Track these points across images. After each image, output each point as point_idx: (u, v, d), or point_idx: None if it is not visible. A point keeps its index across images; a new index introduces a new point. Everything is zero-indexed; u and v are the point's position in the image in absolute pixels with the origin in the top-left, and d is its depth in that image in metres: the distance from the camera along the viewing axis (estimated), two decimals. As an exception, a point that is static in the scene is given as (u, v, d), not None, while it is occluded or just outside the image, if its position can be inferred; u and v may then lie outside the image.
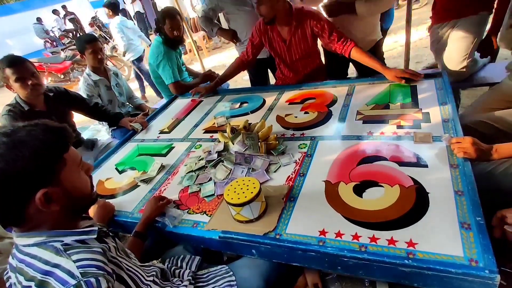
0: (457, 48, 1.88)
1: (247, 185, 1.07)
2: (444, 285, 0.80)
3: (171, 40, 2.41)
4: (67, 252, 0.69)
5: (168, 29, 2.34)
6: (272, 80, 2.68)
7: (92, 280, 0.66)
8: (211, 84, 2.35)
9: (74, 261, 0.68)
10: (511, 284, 1.25)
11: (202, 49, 5.93)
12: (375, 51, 2.19)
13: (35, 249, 0.70)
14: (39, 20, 11.01)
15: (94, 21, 10.40)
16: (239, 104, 2.06)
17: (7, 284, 0.76)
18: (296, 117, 1.69)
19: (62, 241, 0.72)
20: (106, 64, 2.46)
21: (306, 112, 1.71)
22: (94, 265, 0.69)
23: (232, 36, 2.57)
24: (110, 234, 0.86)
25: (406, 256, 0.84)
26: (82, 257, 0.69)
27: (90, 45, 2.27)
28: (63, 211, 0.74)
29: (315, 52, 2.09)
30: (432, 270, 0.79)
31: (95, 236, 0.77)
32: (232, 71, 2.28)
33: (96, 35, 7.69)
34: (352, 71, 2.48)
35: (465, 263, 0.78)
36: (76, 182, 0.77)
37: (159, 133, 1.97)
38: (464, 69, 1.90)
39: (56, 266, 0.67)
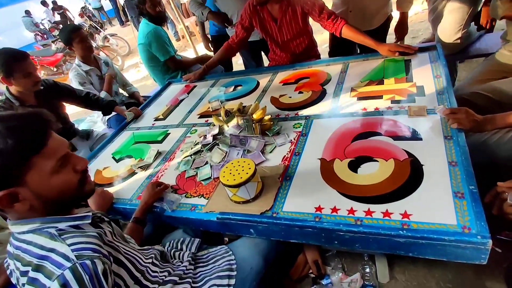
0: (452, 18, 1.84)
1: (242, 166, 1.08)
2: (438, 253, 0.81)
3: (155, 17, 2.46)
4: (62, 237, 0.69)
5: (150, 7, 2.40)
6: (266, 63, 2.65)
7: (88, 262, 0.66)
8: (199, 71, 2.32)
9: (69, 245, 0.68)
10: (506, 251, 1.28)
11: (195, 35, 5.83)
12: (385, 26, 2.14)
13: (30, 236, 0.71)
14: (27, 13, 10.77)
15: (84, 11, 10.20)
16: (233, 87, 2.04)
17: (8, 272, 0.78)
18: (290, 97, 1.68)
19: (56, 227, 0.72)
20: (98, 54, 2.44)
21: (300, 92, 1.70)
22: (89, 248, 0.69)
23: (223, 19, 2.52)
24: (105, 219, 0.86)
25: (401, 227, 0.85)
26: (77, 241, 0.69)
27: (75, 34, 2.24)
28: (45, 206, 0.73)
29: (307, 31, 2.06)
30: (426, 239, 0.80)
31: (89, 221, 0.77)
32: (220, 57, 2.21)
33: (87, 26, 7.59)
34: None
35: (458, 231, 0.79)
36: (49, 184, 0.72)
37: (154, 120, 1.96)
38: (459, 41, 1.87)
39: (51, 250, 0.68)
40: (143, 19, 2.49)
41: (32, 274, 0.66)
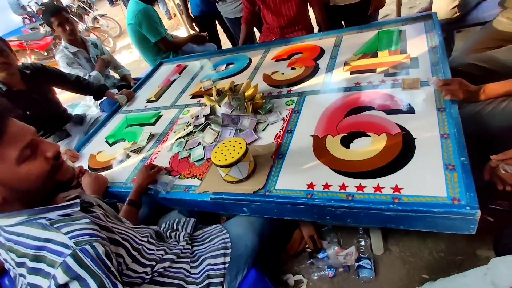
0: (448, -14, 1.78)
1: (234, 146, 1.07)
2: (428, 225, 0.82)
3: None
4: (55, 226, 0.68)
5: None
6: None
7: (87, 247, 0.66)
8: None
9: (65, 233, 0.67)
10: (498, 220, 1.30)
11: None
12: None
13: (20, 228, 0.69)
14: (13, -5, 10.38)
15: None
16: (225, 65, 1.99)
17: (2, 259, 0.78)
18: (283, 73, 1.65)
19: (46, 217, 0.70)
20: (88, 36, 2.36)
21: (293, 68, 1.66)
22: (86, 233, 0.69)
23: None
24: (94, 203, 0.86)
25: (391, 201, 0.86)
26: (72, 229, 0.68)
27: (55, 17, 2.14)
28: (19, 197, 0.71)
29: None
30: (416, 212, 0.80)
31: (78, 208, 0.76)
32: (244, 35, 2.33)
33: (75, 6, 7.33)
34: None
35: (447, 203, 0.80)
36: (17, 174, 0.68)
37: (146, 102, 1.93)
38: (456, 9, 1.81)
39: (47, 240, 0.66)
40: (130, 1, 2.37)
41: (32, 264, 0.65)
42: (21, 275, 0.67)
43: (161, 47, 2.52)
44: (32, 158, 0.71)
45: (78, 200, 0.77)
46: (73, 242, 0.66)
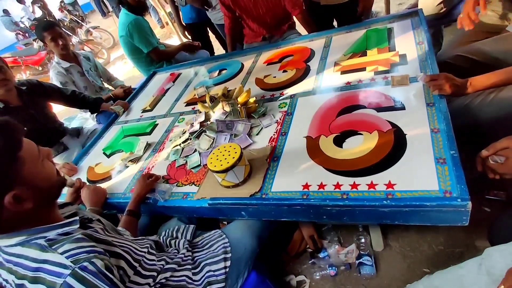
0: (434, -19, 1.80)
1: (229, 151, 1.08)
2: (422, 219, 0.83)
3: (135, 7, 2.35)
4: (52, 247, 0.69)
5: None
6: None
7: (86, 263, 0.66)
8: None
9: (61, 253, 0.68)
10: (495, 210, 1.32)
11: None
12: None
13: (19, 249, 0.70)
14: (6, 12, 10.41)
15: (63, 6, 9.86)
16: (217, 72, 2.01)
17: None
18: (274, 77, 1.67)
19: (45, 237, 0.71)
20: (82, 49, 2.37)
21: (284, 71, 1.68)
22: (83, 251, 0.69)
23: (202, 2, 2.45)
24: (93, 219, 0.87)
25: (385, 197, 0.87)
26: (68, 248, 0.69)
27: (47, 32, 2.16)
28: (37, 206, 0.73)
29: (280, 4, 2.04)
30: (409, 207, 0.82)
31: (77, 226, 0.77)
32: (232, 44, 2.33)
33: (67, 20, 7.37)
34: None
35: (439, 196, 0.81)
36: (41, 173, 0.75)
37: (142, 112, 1.95)
38: (441, 4, 1.84)
39: (44, 262, 0.67)
40: (123, 9, 2.38)
41: (31, 286, 0.66)
42: None
43: (153, 57, 2.54)
44: (44, 159, 0.78)
45: (77, 218, 0.78)
46: (71, 261, 0.66)
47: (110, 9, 9.24)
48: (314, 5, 2.08)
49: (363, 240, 1.40)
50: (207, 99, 1.53)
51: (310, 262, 1.46)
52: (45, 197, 0.76)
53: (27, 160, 0.71)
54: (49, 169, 0.78)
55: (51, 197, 0.80)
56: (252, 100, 1.44)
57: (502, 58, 1.29)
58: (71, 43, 2.34)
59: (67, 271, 0.64)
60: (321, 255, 1.44)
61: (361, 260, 1.34)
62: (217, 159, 1.08)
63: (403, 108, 1.13)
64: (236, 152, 1.07)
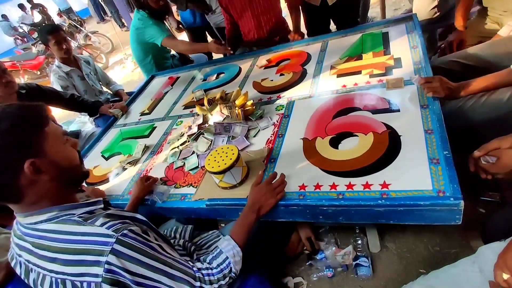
0: (426, -14, 1.84)
1: (226, 153, 1.10)
2: (417, 218, 0.85)
3: (157, 11, 2.17)
4: (88, 221, 0.73)
5: (152, 0, 2.12)
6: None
7: (125, 231, 0.71)
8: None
9: (100, 226, 0.72)
10: (490, 211, 1.33)
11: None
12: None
13: (52, 225, 0.73)
14: (4, 17, 10.47)
15: (62, 10, 9.91)
16: (215, 75, 2.04)
17: (15, 263, 0.80)
18: (272, 80, 1.69)
19: (74, 214, 0.75)
20: (81, 53, 2.39)
21: (281, 74, 1.70)
22: (118, 222, 0.74)
23: (203, 6, 2.48)
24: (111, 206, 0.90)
25: (380, 197, 0.88)
26: (104, 221, 0.73)
27: (52, 36, 2.17)
28: (56, 183, 0.76)
29: (276, 6, 2.09)
30: (403, 206, 0.83)
31: (102, 206, 0.81)
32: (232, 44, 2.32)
33: (66, 25, 7.40)
34: (334, 28, 2.41)
35: (433, 195, 0.83)
36: (62, 153, 0.77)
37: (140, 115, 1.96)
38: (436, 9, 1.87)
39: (84, 234, 0.71)
40: (138, 13, 2.19)
41: (71, 257, 0.70)
42: (51, 271, 0.71)
43: (168, 45, 2.30)
44: (66, 143, 0.81)
45: (101, 198, 0.83)
46: (112, 231, 0.71)
47: (109, 14, 9.29)
48: (311, 7, 2.11)
49: (360, 242, 1.41)
50: (205, 102, 1.54)
51: (307, 263, 1.46)
52: (64, 178, 0.78)
53: (50, 136, 0.75)
54: (70, 152, 0.81)
55: (72, 180, 0.82)
56: (249, 102, 1.46)
57: (494, 61, 1.32)
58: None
59: (112, 240, 0.69)
60: (318, 256, 1.45)
61: (358, 262, 1.35)
62: (215, 160, 1.09)
63: (397, 110, 1.15)
64: (233, 154, 1.08)
